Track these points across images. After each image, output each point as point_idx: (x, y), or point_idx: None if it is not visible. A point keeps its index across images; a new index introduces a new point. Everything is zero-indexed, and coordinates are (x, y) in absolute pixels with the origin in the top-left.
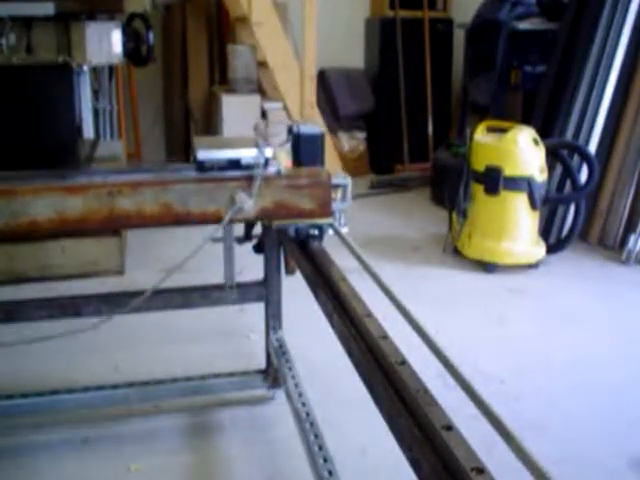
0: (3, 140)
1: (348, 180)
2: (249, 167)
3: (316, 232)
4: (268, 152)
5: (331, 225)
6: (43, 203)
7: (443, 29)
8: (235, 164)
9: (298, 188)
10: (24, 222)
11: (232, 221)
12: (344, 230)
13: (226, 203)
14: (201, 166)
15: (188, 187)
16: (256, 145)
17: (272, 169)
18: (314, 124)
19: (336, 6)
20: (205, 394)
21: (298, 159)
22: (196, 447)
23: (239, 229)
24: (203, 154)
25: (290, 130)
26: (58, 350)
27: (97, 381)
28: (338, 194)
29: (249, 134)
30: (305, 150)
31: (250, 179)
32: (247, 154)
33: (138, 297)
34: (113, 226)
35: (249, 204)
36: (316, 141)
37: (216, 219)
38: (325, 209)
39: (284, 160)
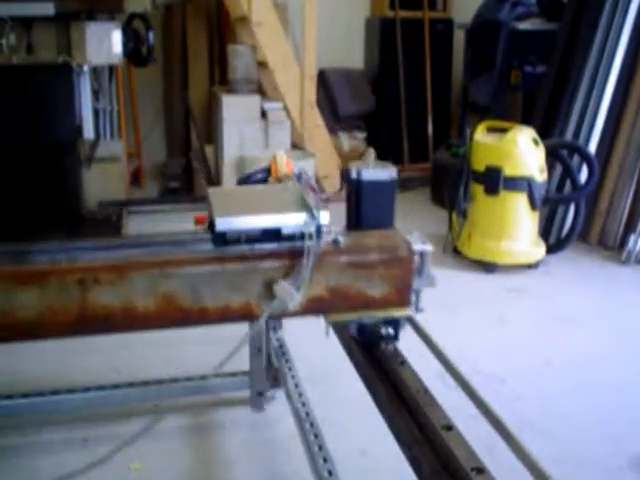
0: (3, 139)
1: (428, 246)
2: (293, 238)
3: (390, 330)
4: (323, 217)
5: (410, 319)
6: None
7: (443, 29)
8: (272, 235)
9: (366, 267)
10: None
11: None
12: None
13: (259, 292)
14: (221, 239)
15: (201, 270)
16: (303, 205)
17: (327, 238)
18: (385, 166)
19: (336, 6)
20: (205, 394)
21: (359, 217)
22: (196, 447)
23: None
24: (224, 222)
25: (345, 175)
26: (58, 350)
27: (97, 381)
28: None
29: (249, 134)
30: (369, 204)
31: (295, 256)
32: (290, 220)
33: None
34: (85, 331)
35: (295, 299)
36: (385, 191)
37: (243, 316)
38: (403, 295)
39: (284, 163)
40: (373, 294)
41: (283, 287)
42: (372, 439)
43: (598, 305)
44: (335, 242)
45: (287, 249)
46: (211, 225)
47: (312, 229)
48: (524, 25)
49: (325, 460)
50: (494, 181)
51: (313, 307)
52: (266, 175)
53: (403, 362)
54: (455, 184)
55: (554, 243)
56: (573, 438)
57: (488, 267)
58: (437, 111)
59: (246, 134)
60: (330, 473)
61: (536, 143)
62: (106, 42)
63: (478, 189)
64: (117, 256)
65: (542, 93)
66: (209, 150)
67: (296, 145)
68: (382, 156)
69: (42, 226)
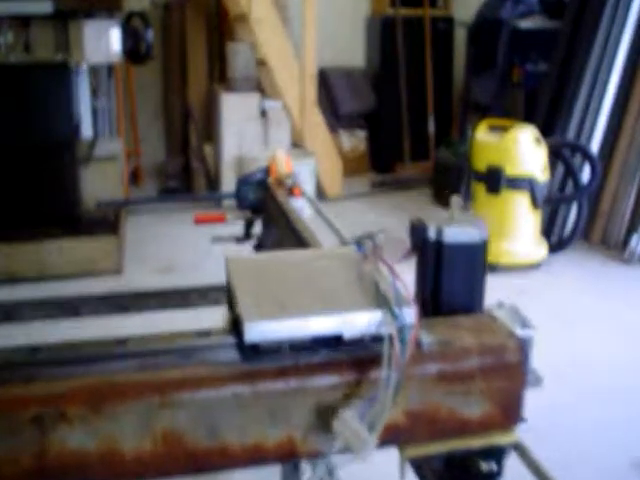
0: (1, 138)
1: (529, 329)
2: (360, 343)
3: (492, 465)
4: (409, 315)
5: (517, 447)
6: None
7: (444, 27)
8: (330, 342)
9: (462, 378)
10: None
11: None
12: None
13: (307, 424)
14: (253, 352)
15: (222, 394)
16: (374, 294)
17: (411, 341)
18: (466, 216)
19: (337, 4)
20: None
21: (438, 297)
22: None
23: (239, 229)
24: (256, 329)
25: (417, 233)
26: None
27: None
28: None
29: (249, 132)
30: (454, 277)
31: (364, 369)
32: (357, 320)
33: (137, 298)
34: None
35: (367, 443)
36: (475, 257)
37: (283, 456)
38: (510, 415)
39: (284, 163)
40: (470, 415)
41: (347, 423)
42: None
43: (600, 305)
44: (418, 343)
45: (351, 358)
46: (235, 325)
47: (394, 332)
48: (526, 23)
49: (331, 474)
50: (495, 180)
51: (384, 438)
52: (266, 174)
53: None
54: (456, 183)
55: (556, 243)
56: (574, 439)
57: (490, 267)
58: (438, 110)
59: (245, 133)
60: (330, 472)
61: (538, 142)
62: (104, 40)
63: (479, 188)
64: (94, 374)
65: (544, 91)
66: (208, 149)
67: (296, 144)
68: (383, 154)
69: (40, 226)
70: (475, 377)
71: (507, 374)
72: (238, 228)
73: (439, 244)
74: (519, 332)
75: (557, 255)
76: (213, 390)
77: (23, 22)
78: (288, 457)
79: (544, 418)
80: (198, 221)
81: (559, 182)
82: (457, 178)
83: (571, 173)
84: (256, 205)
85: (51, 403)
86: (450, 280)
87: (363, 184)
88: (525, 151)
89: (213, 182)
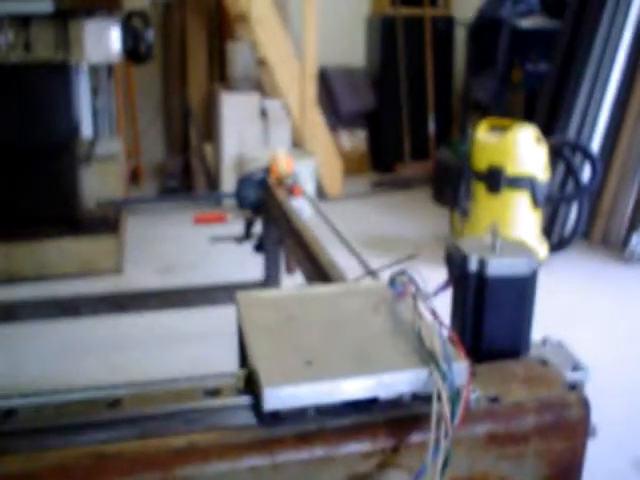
0: (1, 138)
1: (583, 371)
2: (398, 404)
3: None
4: (459, 372)
5: None
6: None
7: (444, 27)
8: (363, 406)
9: (514, 441)
10: None
11: None
12: None
13: None
14: (272, 419)
15: (235, 467)
16: (424, 352)
17: (462, 403)
18: (512, 245)
19: (337, 4)
20: None
21: (480, 338)
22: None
23: (239, 228)
24: (278, 395)
25: (456, 263)
26: (57, 351)
27: (96, 381)
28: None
29: (249, 132)
30: (498, 314)
31: (401, 433)
32: (397, 381)
33: (137, 297)
34: None
35: None
36: (522, 292)
37: None
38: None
39: (284, 163)
40: None
41: None
42: None
43: (601, 304)
44: (471, 404)
45: (386, 420)
46: (249, 383)
47: (443, 392)
48: (526, 23)
49: None
50: (496, 180)
51: None
52: (266, 174)
53: None
54: (456, 183)
55: (557, 242)
56: None
57: None
58: (438, 109)
59: (246, 132)
60: None
61: (538, 141)
62: (104, 40)
63: (480, 188)
64: (82, 444)
65: (544, 91)
66: (208, 149)
67: (296, 143)
68: (383, 154)
69: (39, 225)
70: (530, 438)
71: (566, 433)
72: (238, 228)
73: (482, 277)
74: (571, 375)
75: (557, 254)
76: (225, 462)
77: (23, 21)
78: None
79: None
80: (198, 221)
81: (560, 181)
82: (457, 177)
83: (571, 172)
84: (256, 205)
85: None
86: (494, 319)
87: (363, 184)
88: (525, 150)
89: (213, 181)
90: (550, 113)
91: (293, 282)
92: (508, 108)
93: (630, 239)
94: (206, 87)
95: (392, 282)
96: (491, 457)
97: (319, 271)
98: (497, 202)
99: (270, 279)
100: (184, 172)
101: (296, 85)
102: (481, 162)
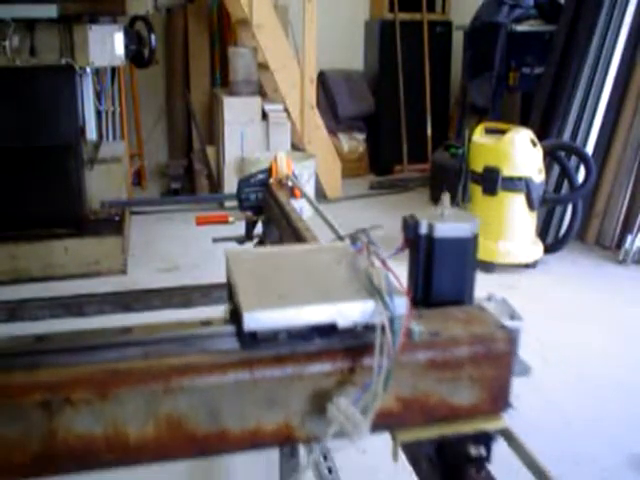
0: (7, 142)
1: (518, 320)
2: (353, 332)
3: (481, 450)
4: (400, 304)
5: (505, 433)
6: None
7: (442, 31)
8: (324, 331)
9: (451, 367)
10: None
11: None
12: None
13: (303, 410)
14: (251, 340)
15: (222, 381)
16: (371, 288)
17: (402, 330)
18: (457, 212)
19: (336, 8)
20: None
21: (430, 289)
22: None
23: (239, 228)
24: (255, 317)
25: (410, 229)
26: None
27: None
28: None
29: (250, 135)
30: (446, 270)
31: (357, 357)
32: (351, 310)
33: (141, 297)
34: (52, 470)
35: (361, 426)
36: (465, 250)
37: (281, 441)
38: (498, 402)
39: (284, 164)
40: (459, 402)
41: (341, 407)
42: (372, 438)
43: (595, 304)
44: (410, 333)
45: (344, 346)
46: (234, 314)
47: (386, 322)
48: (522, 27)
49: (325, 458)
50: (492, 181)
51: (377, 423)
52: (267, 176)
53: None
54: (453, 184)
55: (552, 243)
56: (571, 436)
57: (486, 266)
58: (436, 112)
59: (247, 135)
60: (330, 471)
61: (534, 144)
62: (109, 44)
63: (476, 189)
64: (99, 361)
65: (540, 94)
66: (210, 151)
67: (296, 146)
68: (381, 157)
69: (45, 226)
70: (464, 365)
71: (495, 363)
72: (240, 228)
73: (430, 239)
74: (508, 323)
75: (553, 255)
76: (214, 377)
77: (28, 26)
78: (285, 441)
79: (540, 414)
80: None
81: (555, 183)
82: (454, 179)
83: (566, 174)
84: (257, 206)
85: (57, 389)
86: (441, 273)
87: (362, 186)
88: (521, 153)
89: (215, 183)
90: (545, 116)
91: None
92: (504, 111)
93: (624, 240)
94: (208, 91)
95: (353, 240)
96: (431, 380)
97: None
98: (493, 203)
99: None
100: (187, 174)
101: (296, 89)
102: (478, 164)
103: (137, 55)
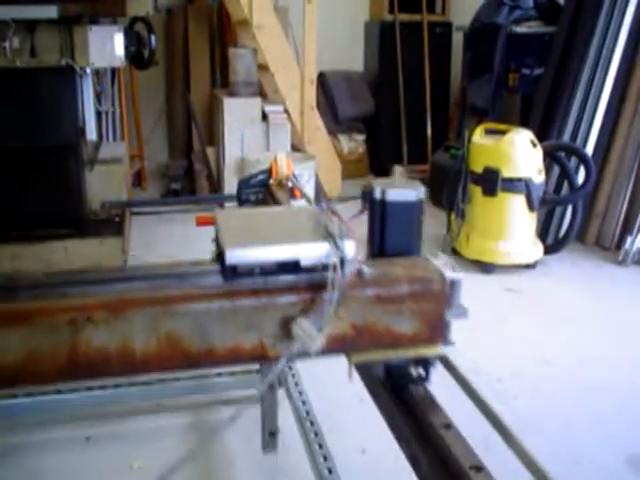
0: (7, 142)
1: (460, 274)
2: (314, 271)
3: (420, 371)
4: (349, 247)
5: (442, 359)
6: None
7: (442, 32)
8: (290, 267)
9: (394, 301)
10: None
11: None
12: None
13: (274, 332)
14: (232, 273)
15: (209, 307)
16: (325, 233)
17: (350, 269)
18: (410, 184)
19: (336, 9)
20: (206, 393)
21: (383, 244)
22: (197, 445)
23: None
24: (235, 254)
25: (368, 195)
26: None
27: (100, 380)
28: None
29: (250, 136)
30: (395, 228)
31: (316, 290)
32: (311, 251)
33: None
34: (76, 376)
35: (317, 340)
36: (412, 212)
37: (256, 358)
38: (435, 332)
39: (284, 165)
40: (402, 331)
41: (302, 327)
42: (371, 437)
43: (595, 305)
44: (360, 273)
45: (307, 282)
46: (220, 256)
47: (336, 261)
48: (522, 28)
49: (325, 458)
50: (492, 182)
51: (335, 346)
52: (267, 177)
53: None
54: (453, 185)
55: (552, 244)
56: (571, 437)
57: (486, 267)
58: (436, 113)
59: (247, 136)
60: (330, 471)
61: (534, 145)
62: (109, 45)
63: (476, 190)
64: (113, 291)
65: (540, 96)
66: (210, 152)
67: (296, 147)
68: (381, 157)
69: (45, 227)
70: (405, 300)
71: (432, 299)
72: None
73: (383, 202)
74: (448, 273)
75: (553, 256)
76: (203, 304)
77: (29, 27)
78: (260, 358)
79: (540, 414)
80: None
81: (555, 184)
82: (454, 180)
83: (566, 175)
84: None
85: (82, 310)
86: (392, 231)
87: (362, 186)
88: (521, 154)
89: (215, 184)
90: (545, 117)
91: None
92: (504, 112)
93: (624, 240)
94: (208, 91)
95: (317, 202)
96: (378, 312)
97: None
98: (493, 204)
99: None
100: (187, 175)
101: (296, 90)
102: (478, 165)
103: (137, 56)
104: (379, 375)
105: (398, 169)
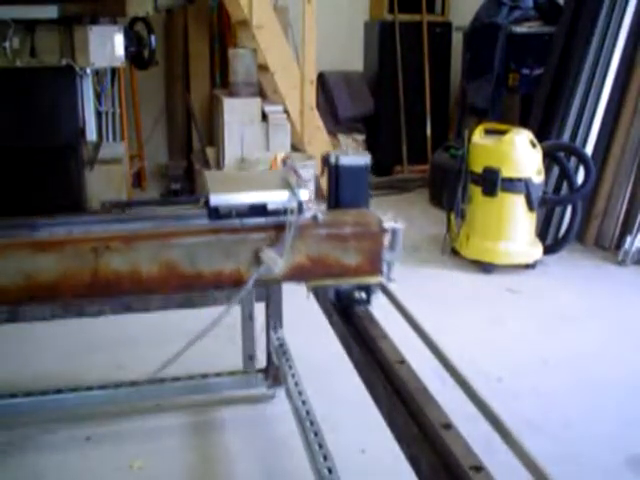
0: (8, 142)
1: (400, 225)
2: (278, 213)
3: (363, 295)
4: (303, 194)
5: (381, 286)
6: (6, 264)
7: (441, 32)
8: (259, 210)
9: (341, 239)
10: None
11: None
12: (392, 286)
13: (248, 260)
14: (215, 213)
15: (198, 240)
16: (287, 185)
17: (307, 215)
18: (360, 153)
19: (336, 10)
20: (206, 393)
21: (337, 198)
22: (197, 445)
23: None
24: (217, 198)
25: (325, 160)
26: (61, 349)
27: (100, 380)
28: (386, 241)
29: (250, 136)
30: (346, 186)
31: (279, 229)
32: (275, 197)
33: (141, 298)
34: (98, 293)
35: (279, 264)
36: (360, 174)
37: (234, 281)
38: (375, 265)
39: (281, 157)
40: (348, 263)
41: (268, 254)
42: (371, 437)
43: (595, 305)
44: (315, 218)
45: (272, 223)
46: (207, 202)
47: (294, 205)
48: (522, 28)
49: (325, 458)
50: (492, 182)
51: (295, 274)
52: None
53: (402, 361)
54: (453, 185)
55: (551, 244)
56: (571, 437)
57: (486, 267)
58: (436, 113)
59: (247, 136)
60: (330, 471)
61: (533, 145)
62: (109, 45)
63: (476, 190)
64: (126, 228)
65: (539, 96)
66: (210, 152)
67: (296, 147)
68: (381, 158)
69: None
70: (350, 239)
71: (371, 239)
72: None
73: (337, 166)
74: (389, 224)
75: (552, 256)
76: (193, 238)
77: (29, 27)
78: (238, 282)
79: (540, 414)
80: None
81: (554, 184)
82: (454, 180)
83: (566, 175)
84: None
85: (102, 241)
86: (344, 189)
87: None
88: (521, 154)
89: None
90: (545, 117)
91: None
92: (504, 112)
93: (624, 241)
94: (208, 92)
95: (284, 163)
96: (329, 247)
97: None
98: (493, 204)
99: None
100: (187, 175)
101: (296, 90)
102: (477, 165)
103: (137, 56)
104: (331, 298)
105: (346, 141)
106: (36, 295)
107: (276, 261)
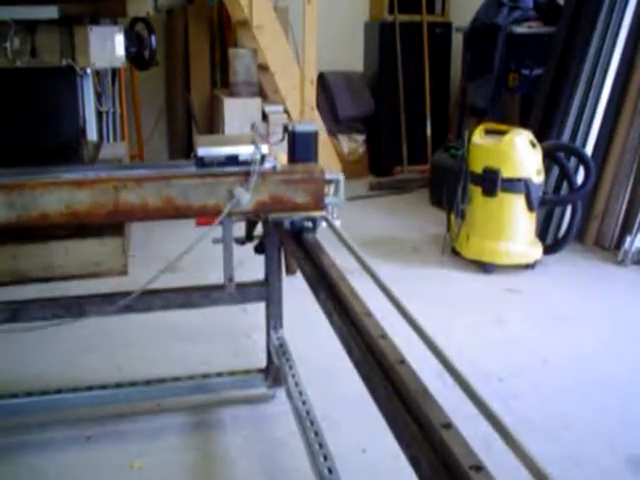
0: (8, 142)
1: (340, 176)
2: (247, 163)
3: (310, 224)
4: (264, 149)
5: (324, 218)
6: (53, 197)
7: (441, 33)
8: (233, 160)
9: (292, 183)
10: (35, 215)
11: (231, 215)
12: (337, 223)
13: (225, 197)
14: (201, 162)
15: (189, 182)
16: (253, 142)
17: (268, 165)
18: (311, 122)
19: (336, 10)
20: (207, 393)
21: (293, 156)
22: (197, 445)
23: (240, 230)
24: (203, 150)
25: (286, 128)
26: (62, 349)
27: (100, 380)
28: (331, 189)
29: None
30: (300, 147)
31: (247, 174)
32: (244, 150)
33: (132, 294)
34: (118, 219)
35: (246, 198)
36: (310, 138)
37: (215, 212)
38: (318, 203)
39: (282, 158)
40: (298, 200)
41: (238, 190)
42: (371, 437)
43: (595, 305)
44: (274, 167)
45: (243, 170)
46: (195, 154)
47: (257, 156)
48: (522, 29)
49: (325, 458)
50: (492, 182)
51: (260, 208)
52: None
53: (402, 361)
54: (453, 186)
55: (551, 244)
56: (570, 437)
57: (486, 267)
58: (436, 113)
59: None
60: (330, 471)
61: (533, 145)
62: (109, 46)
63: (476, 190)
64: (138, 173)
65: (539, 96)
66: None
67: None
68: (381, 158)
69: (46, 227)
70: (299, 183)
71: (315, 183)
72: (240, 230)
73: (294, 132)
74: (332, 175)
75: (552, 256)
76: (185, 180)
77: (29, 27)
78: (218, 213)
79: (540, 415)
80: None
81: (554, 184)
82: (454, 180)
83: (566, 175)
84: None
85: (121, 181)
86: (299, 150)
87: (362, 187)
88: (521, 154)
89: None
90: (545, 117)
91: (293, 282)
92: (504, 112)
93: (624, 241)
94: (208, 92)
95: (252, 127)
96: (284, 189)
97: (319, 272)
98: (493, 204)
99: (271, 279)
100: None
101: (296, 90)
102: (477, 165)
103: (137, 56)
104: (287, 227)
105: (300, 121)
106: (74, 220)
107: (244, 195)
